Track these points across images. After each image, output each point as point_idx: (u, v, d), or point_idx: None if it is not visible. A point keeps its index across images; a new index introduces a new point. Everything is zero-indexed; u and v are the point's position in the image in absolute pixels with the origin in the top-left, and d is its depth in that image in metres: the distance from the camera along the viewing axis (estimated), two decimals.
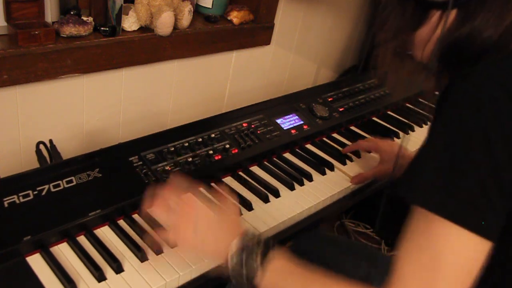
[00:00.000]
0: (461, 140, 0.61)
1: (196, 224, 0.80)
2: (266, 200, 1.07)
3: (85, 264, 0.83)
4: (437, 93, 0.73)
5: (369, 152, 1.31)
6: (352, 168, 1.26)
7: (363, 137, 1.41)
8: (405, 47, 0.77)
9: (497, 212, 0.61)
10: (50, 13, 1.04)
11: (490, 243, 0.61)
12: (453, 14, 0.69)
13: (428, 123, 1.59)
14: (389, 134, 1.45)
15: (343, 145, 1.35)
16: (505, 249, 0.64)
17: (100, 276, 0.81)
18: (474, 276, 0.62)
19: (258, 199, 1.07)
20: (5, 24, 0.98)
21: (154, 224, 0.93)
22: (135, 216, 0.96)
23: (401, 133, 1.47)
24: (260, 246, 0.77)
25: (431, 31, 0.71)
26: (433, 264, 0.62)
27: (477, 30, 0.67)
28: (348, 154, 1.30)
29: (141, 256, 0.86)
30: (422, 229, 0.64)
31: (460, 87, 0.64)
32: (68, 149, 1.11)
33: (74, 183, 0.93)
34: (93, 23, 1.08)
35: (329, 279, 0.71)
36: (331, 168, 1.23)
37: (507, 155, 0.59)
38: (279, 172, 1.18)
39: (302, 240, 1.15)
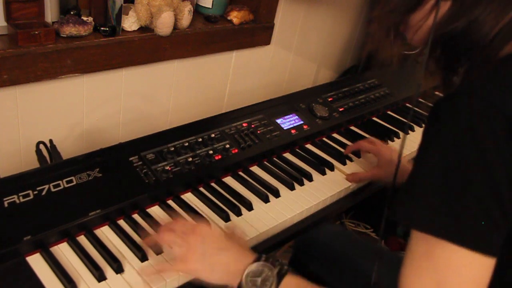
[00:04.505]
0: (458, 161, 0.60)
1: (203, 251, 0.79)
2: (266, 200, 1.07)
3: (85, 264, 0.83)
4: (437, 93, 0.73)
5: (369, 152, 1.31)
6: (352, 168, 1.26)
7: (363, 137, 1.40)
8: (398, 27, 0.79)
9: (499, 229, 0.60)
10: (50, 13, 1.04)
11: (494, 258, 0.60)
12: (446, 5, 0.70)
13: None
14: (389, 134, 1.45)
15: (343, 145, 1.35)
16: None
17: (100, 276, 0.81)
18: None
19: (258, 199, 1.07)
20: (5, 24, 0.98)
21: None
22: (135, 216, 0.96)
23: (401, 133, 1.47)
24: (277, 266, 0.76)
25: (424, 17, 0.73)
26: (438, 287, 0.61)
27: (474, 24, 0.67)
28: (349, 154, 1.30)
29: (141, 256, 0.86)
30: (423, 252, 0.62)
31: (452, 105, 0.63)
32: (68, 149, 1.11)
33: (74, 183, 0.93)
34: (93, 23, 1.08)
35: None
36: (331, 168, 1.23)
37: (505, 173, 0.59)
38: (279, 172, 1.18)
39: (313, 235, 1.17)
